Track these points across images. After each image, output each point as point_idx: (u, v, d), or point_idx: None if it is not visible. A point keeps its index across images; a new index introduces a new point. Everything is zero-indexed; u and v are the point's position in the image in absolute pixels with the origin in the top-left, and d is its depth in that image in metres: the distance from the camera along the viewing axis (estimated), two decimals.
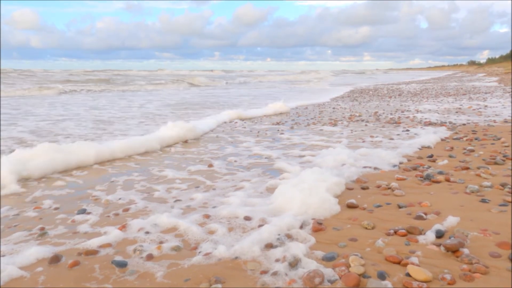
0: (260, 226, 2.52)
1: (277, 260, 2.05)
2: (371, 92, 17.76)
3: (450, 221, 2.43)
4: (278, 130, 6.96)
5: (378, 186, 3.34)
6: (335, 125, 7.33)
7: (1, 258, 2.15)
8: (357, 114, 8.87)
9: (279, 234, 2.34)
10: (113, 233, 2.47)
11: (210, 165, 4.35)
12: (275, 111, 9.71)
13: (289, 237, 2.34)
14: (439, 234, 2.27)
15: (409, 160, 4.31)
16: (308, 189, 2.87)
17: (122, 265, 2.07)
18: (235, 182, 3.70)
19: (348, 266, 1.95)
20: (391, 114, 8.83)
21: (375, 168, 3.96)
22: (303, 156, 4.74)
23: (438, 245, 2.14)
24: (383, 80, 37.41)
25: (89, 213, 2.92)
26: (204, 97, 15.84)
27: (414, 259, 1.99)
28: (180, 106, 12.08)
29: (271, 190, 3.37)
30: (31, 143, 5.66)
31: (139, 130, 7.04)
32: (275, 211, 2.79)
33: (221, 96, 16.51)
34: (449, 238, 2.22)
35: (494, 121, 7.07)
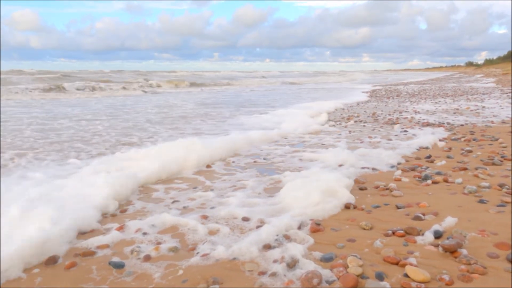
0: (258, 227, 2.52)
1: (275, 261, 2.05)
2: (383, 92, 17.81)
3: (448, 222, 2.43)
4: None
5: (376, 187, 3.34)
6: (333, 125, 7.34)
7: None
8: (355, 115, 8.88)
9: (277, 235, 2.34)
10: (110, 234, 2.46)
11: (208, 166, 4.34)
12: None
13: (287, 238, 2.33)
14: (437, 235, 2.27)
15: (407, 161, 4.31)
16: (319, 189, 2.92)
17: (119, 266, 2.06)
18: (232, 182, 3.70)
19: (346, 267, 1.95)
20: (389, 114, 8.84)
21: (373, 169, 3.96)
22: (302, 157, 4.74)
23: (436, 246, 2.14)
24: (394, 79, 40.93)
25: None
26: (236, 97, 16.32)
27: (412, 260, 1.98)
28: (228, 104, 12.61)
29: (268, 190, 3.38)
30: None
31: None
32: (282, 210, 2.81)
33: (240, 97, 16.88)
34: (447, 238, 2.22)
35: (492, 122, 7.09)
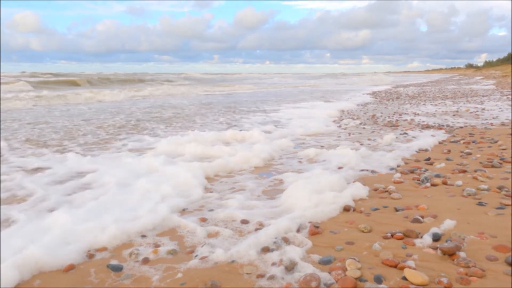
0: (257, 229, 2.52)
1: (273, 264, 2.04)
2: (382, 94, 17.81)
3: (447, 224, 2.42)
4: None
5: (375, 189, 3.34)
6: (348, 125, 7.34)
7: None
8: (355, 117, 8.88)
9: (276, 238, 2.34)
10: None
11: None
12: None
13: (286, 240, 2.33)
14: (436, 237, 2.27)
15: (406, 163, 4.31)
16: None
17: (117, 269, 2.06)
18: (230, 184, 3.70)
19: (344, 269, 1.95)
20: (389, 117, 8.84)
21: (373, 171, 3.96)
22: (301, 159, 4.74)
23: (435, 248, 2.14)
24: (401, 80, 43.11)
25: None
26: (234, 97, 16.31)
27: (410, 263, 1.98)
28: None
29: (267, 192, 3.38)
30: None
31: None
32: (281, 213, 2.82)
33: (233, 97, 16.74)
34: (446, 241, 2.21)
35: (491, 124, 7.09)
